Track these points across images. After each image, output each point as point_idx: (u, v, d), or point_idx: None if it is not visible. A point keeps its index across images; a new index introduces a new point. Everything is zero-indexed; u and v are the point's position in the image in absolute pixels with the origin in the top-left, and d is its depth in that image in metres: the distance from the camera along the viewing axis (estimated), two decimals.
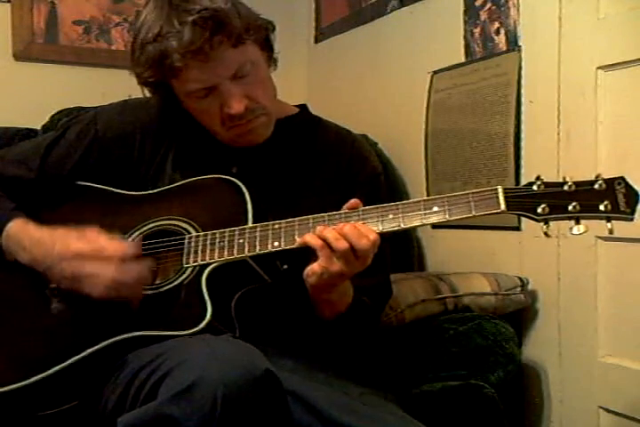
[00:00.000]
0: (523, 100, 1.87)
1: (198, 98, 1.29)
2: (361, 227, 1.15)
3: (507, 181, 1.90)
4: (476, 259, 2.01)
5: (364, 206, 1.27)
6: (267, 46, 1.34)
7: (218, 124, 1.32)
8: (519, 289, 1.84)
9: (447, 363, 1.65)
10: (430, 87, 2.15)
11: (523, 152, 1.87)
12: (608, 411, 1.71)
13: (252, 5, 1.34)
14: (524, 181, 1.87)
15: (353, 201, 1.19)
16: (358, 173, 1.42)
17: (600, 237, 1.68)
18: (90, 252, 1.21)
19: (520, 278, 1.86)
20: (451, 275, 1.87)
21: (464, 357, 1.66)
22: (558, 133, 1.76)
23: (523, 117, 1.87)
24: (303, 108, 1.49)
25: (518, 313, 1.86)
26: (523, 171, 1.87)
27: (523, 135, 1.87)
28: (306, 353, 1.29)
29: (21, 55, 2.44)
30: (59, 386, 1.20)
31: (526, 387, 1.86)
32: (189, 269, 1.23)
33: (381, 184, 1.47)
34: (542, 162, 1.80)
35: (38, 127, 2.15)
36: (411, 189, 2.25)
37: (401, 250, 2.09)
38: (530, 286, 1.86)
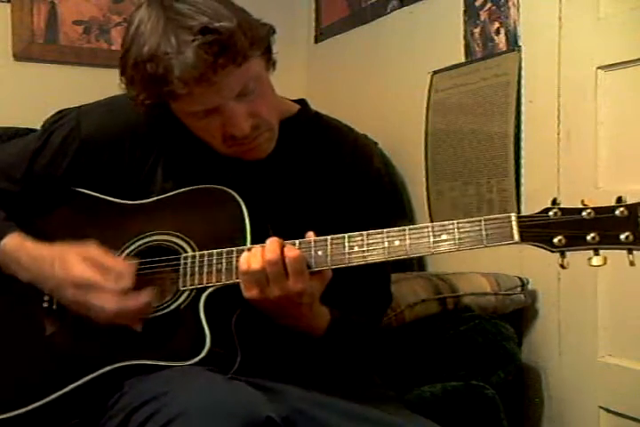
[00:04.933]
0: (523, 100, 1.87)
1: (199, 118, 1.20)
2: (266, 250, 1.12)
3: (507, 180, 1.90)
4: (476, 259, 2.00)
5: (368, 210, 1.26)
6: (267, 51, 1.26)
7: (219, 142, 1.23)
8: (519, 289, 1.84)
9: (447, 363, 1.65)
10: (430, 87, 2.15)
11: (523, 152, 1.87)
12: (608, 411, 1.70)
13: (252, 5, 1.33)
14: (524, 182, 1.89)
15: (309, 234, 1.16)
16: (361, 176, 1.36)
17: None
18: (91, 280, 1.16)
19: (520, 278, 1.86)
20: (451, 275, 1.87)
21: (464, 357, 1.66)
22: (558, 133, 1.76)
23: (523, 117, 1.87)
24: (302, 103, 1.40)
25: (518, 313, 1.86)
26: (523, 171, 1.87)
27: (523, 135, 1.87)
28: (308, 364, 1.28)
29: (21, 55, 2.44)
30: (53, 413, 1.19)
31: (526, 387, 1.86)
32: (186, 293, 1.19)
33: (385, 185, 1.41)
34: (542, 162, 1.80)
35: (38, 127, 2.14)
36: (411, 189, 2.25)
37: None
38: (530, 286, 1.86)
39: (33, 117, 2.17)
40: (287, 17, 2.68)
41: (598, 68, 1.66)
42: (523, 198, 1.87)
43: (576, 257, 1.73)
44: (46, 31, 2.47)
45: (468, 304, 1.78)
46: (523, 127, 1.87)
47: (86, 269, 1.17)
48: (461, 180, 2.04)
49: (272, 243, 1.13)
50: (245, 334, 1.20)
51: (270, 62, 1.27)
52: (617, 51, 1.63)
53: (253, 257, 1.12)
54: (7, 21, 2.42)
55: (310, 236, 1.15)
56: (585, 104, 1.69)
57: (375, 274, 1.34)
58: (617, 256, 1.66)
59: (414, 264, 2.17)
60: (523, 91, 1.86)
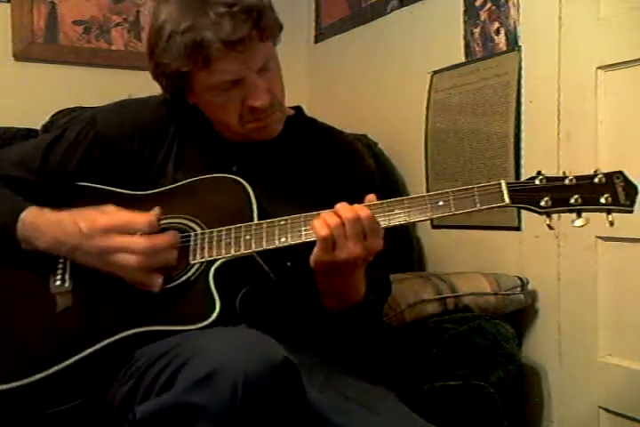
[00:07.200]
0: (523, 100, 1.87)
1: (222, 91, 1.29)
2: (358, 209, 1.17)
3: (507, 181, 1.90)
4: (475, 259, 2.01)
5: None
6: (275, 44, 1.36)
7: (234, 119, 1.32)
8: (519, 289, 1.84)
9: (447, 363, 1.65)
10: (430, 87, 2.16)
11: (523, 152, 1.87)
12: (608, 411, 1.71)
13: None
14: None
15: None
16: (353, 172, 1.44)
17: (600, 237, 1.68)
18: (117, 225, 1.21)
19: (520, 278, 1.86)
20: (451, 275, 1.87)
21: (464, 357, 1.66)
22: (558, 133, 1.76)
23: (523, 117, 1.87)
24: (298, 109, 1.50)
25: (518, 313, 1.87)
26: (523, 171, 1.87)
27: (523, 135, 1.87)
28: (307, 351, 1.29)
29: (21, 55, 2.44)
30: (63, 384, 1.19)
31: (526, 387, 1.86)
32: (196, 266, 1.23)
33: (376, 182, 1.49)
34: (542, 162, 1.80)
35: (38, 127, 2.15)
36: (411, 189, 2.25)
37: (401, 250, 2.09)
38: (530, 286, 1.86)
39: (33, 117, 2.17)
40: (287, 17, 2.65)
41: (598, 67, 1.66)
42: None
43: (576, 257, 1.74)
44: (46, 31, 2.46)
45: (468, 304, 1.78)
46: (523, 127, 1.87)
47: (110, 219, 1.23)
48: (461, 180, 2.04)
49: (343, 205, 1.18)
50: (249, 315, 1.24)
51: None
52: (617, 51, 1.63)
53: (330, 218, 1.16)
54: (7, 21, 2.41)
55: None
56: (585, 104, 1.69)
57: (374, 264, 1.36)
58: (616, 256, 1.67)
59: (414, 264, 2.17)
60: (523, 91, 1.87)
